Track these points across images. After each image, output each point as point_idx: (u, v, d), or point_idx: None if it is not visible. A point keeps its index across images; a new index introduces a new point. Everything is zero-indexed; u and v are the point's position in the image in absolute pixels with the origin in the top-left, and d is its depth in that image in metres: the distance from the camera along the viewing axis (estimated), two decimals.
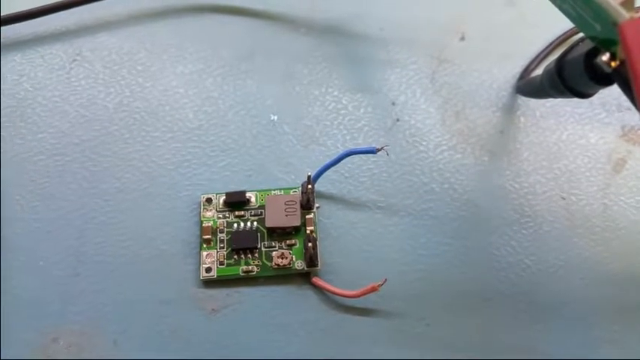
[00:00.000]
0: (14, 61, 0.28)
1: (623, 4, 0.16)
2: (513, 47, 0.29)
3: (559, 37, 0.29)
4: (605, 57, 0.18)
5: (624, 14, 0.16)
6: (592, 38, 0.18)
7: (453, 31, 0.30)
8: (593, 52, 0.19)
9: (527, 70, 0.27)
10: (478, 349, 0.23)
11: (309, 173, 0.24)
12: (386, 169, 0.26)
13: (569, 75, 0.20)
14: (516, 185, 0.26)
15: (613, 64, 0.18)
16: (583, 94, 0.20)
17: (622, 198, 0.26)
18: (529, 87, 0.25)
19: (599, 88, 0.19)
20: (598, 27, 0.17)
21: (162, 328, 0.22)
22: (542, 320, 0.23)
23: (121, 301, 0.23)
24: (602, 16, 0.16)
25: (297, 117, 0.27)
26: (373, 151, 0.23)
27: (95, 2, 0.28)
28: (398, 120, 0.27)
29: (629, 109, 0.27)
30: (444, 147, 0.27)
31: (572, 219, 0.25)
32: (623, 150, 0.27)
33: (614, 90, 0.18)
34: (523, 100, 0.28)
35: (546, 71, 0.22)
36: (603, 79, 0.19)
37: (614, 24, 0.16)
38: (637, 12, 0.16)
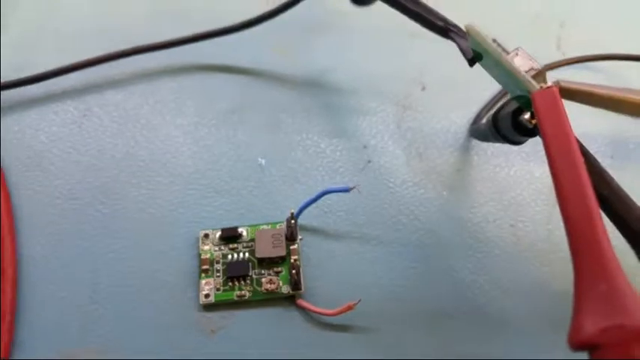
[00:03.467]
0: (31, 117, 0.30)
1: (535, 77, 0.20)
2: (468, 95, 0.32)
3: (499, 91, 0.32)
4: (527, 116, 0.22)
5: (535, 85, 0.20)
6: (516, 99, 0.22)
7: (416, 82, 0.33)
8: (519, 111, 0.23)
9: (479, 116, 0.31)
10: (440, 357, 0.25)
11: (292, 210, 0.26)
12: (359, 203, 0.29)
13: (503, 127, 0.24)
14: (471, 215, 0.29)
15: (533, 121, 0.22)
16: (515, 142, 0.24)
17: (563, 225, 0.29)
18: (478, 132, 0.29)
19: (527, 139, 0.24)
20: (519, 92, 0.21)
21: (169, 347, 0.25)
22: (495, 332, 0.26)
23: (132, 326, 0.25)
24: (520, 84, 0.21)
25: (282, 160, 0.30)
26: (347, 190, 0.26)
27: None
28: (369, 161, 0.30)
29: None
30: (409, 183, 0.30)
31: (520, 243, 0.28)
32: None
33: None
34: (476, 142, 0.31)
35: (486, 122, 0.26)
36: (528, 132, 0.23)
37: (528, 92, 0.20)
38: (546, 83, 0.20)
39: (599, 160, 0.21)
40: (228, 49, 0.33)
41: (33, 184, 0.29)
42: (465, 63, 0.24)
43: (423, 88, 0.33)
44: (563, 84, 0.20)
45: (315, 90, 0.33)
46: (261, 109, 0.32)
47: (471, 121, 0.32)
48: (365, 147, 0.31)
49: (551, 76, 0.33)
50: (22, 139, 0.30)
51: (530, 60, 0.20)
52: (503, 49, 0.21)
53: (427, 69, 0.34)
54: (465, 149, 0.31)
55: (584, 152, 0.20)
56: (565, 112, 0.19)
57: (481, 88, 0.32)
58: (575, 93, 0.20)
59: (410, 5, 0.25)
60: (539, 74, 0.20)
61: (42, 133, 0.30)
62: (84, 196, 0.28)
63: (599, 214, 0.18)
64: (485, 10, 0.37)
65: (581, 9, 0.38)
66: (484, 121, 0.27)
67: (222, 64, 0.33)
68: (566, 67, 0.34)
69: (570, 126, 0.19)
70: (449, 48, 0.25)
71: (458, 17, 0.25)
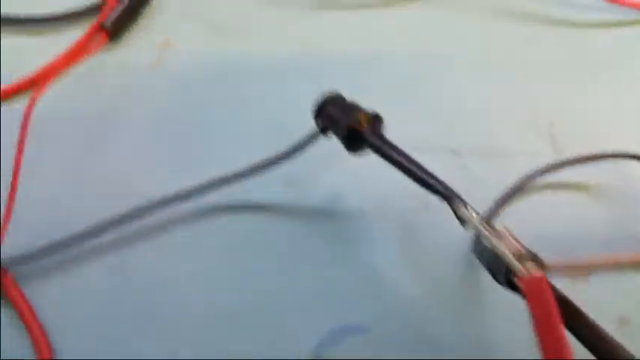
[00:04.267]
0: (64, 280, 0.32)
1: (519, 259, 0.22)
2: None
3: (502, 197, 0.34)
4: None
5: (523, 270, 0.21)
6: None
7: (418, 202, 0.34)
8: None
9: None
10: None
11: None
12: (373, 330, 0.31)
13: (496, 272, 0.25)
14: (482, 329, 0.31)
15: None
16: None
17: None
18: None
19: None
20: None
21: None
22: None
23: None
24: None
25: (295, 291, 0.32)
26: (361, 330, 0.29)
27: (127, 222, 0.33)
28: (381, 286, 0.32)
29: None
30: (418, 301, 0.31)
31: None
32: None
33: None
34: None
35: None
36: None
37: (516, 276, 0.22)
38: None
39: None
40: (242, 189, 0.34)
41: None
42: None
43: (426, 208, 0.35)
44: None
45: (325, 219, 0.34)
46: (274, 243, 0.33)
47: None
48: (375, 272, 0.33)
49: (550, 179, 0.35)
50: (64, 298, 0.32)
51: (517, 241, 0.22)
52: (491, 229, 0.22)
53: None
54: (471, 264, 0.32)
55: (584, 320, 0.22)
56: (553, 300, 0.20)
57: (479, 199, 0.32)
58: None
59: (404, 162, 0.26)
60: (524, 256, 0.22)
61: (77, 293, 0.32)
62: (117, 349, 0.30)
63: None
64: (473, 125, 0.39)
65: (569, 105, 0.40)
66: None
67: (237, 204, 0.35)
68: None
69: (558, 314, 0.20)
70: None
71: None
